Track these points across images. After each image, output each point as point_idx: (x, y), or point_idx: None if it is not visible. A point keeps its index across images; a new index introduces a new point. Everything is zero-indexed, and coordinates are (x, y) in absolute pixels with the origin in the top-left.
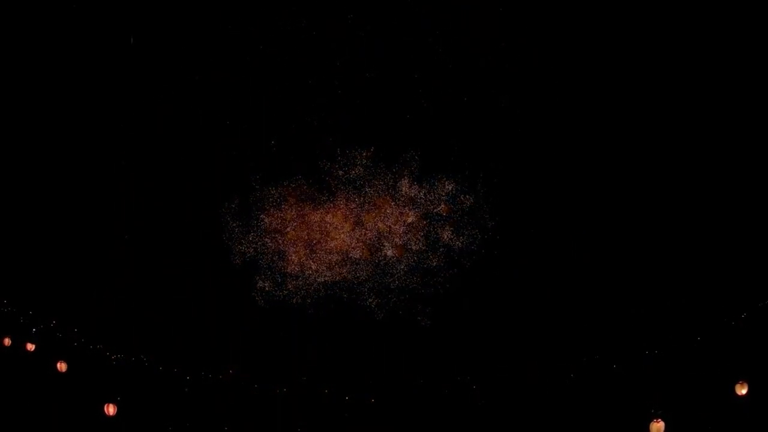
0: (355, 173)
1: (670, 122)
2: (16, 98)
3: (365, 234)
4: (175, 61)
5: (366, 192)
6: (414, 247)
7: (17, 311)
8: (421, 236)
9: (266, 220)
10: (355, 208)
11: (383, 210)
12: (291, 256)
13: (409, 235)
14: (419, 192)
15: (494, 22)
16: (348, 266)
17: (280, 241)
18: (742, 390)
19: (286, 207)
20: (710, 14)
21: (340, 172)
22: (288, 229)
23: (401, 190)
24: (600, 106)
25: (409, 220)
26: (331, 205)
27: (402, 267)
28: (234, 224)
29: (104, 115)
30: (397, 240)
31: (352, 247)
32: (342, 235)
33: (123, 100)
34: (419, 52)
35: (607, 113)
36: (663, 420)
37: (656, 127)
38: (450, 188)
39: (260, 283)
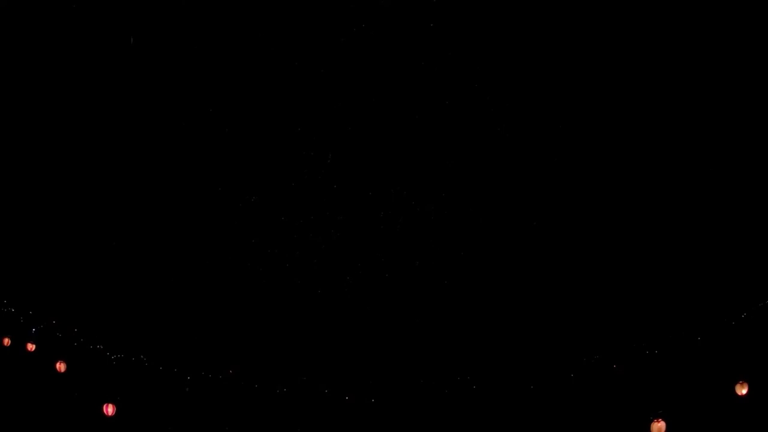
0: (346, 176)
1: (669, 122)
2: (15, 98)
3: (358, 237)
4: (173, 62)
5: (357, 195)
6: (409, 250)
7: (17, 311)
8: (415, 238)
9: (262, 222)
10: (346, 211)
11: (375, 213)
12: (284, 260)
13: (401, 237)
14: (413, 194)
15: (492, 25)
16: (341, 270)
17: (274, 244)
18: (743, 390)
19: (281, 210)
20: (709, 14)
21: (331, 176)
22: (281, 232)
23: (395, 192)
24: (598, 104)
25: (402, 221)
26: (323, 207)
27: (397, 269)
28: (232, 225)
29: (104, 114)
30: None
31: (344, 252)
32: (333, 239)
33: (123, 100)
34: (413, 54)
35: (606, 111)
36: (663, 420)
37: (655, 127)
38: (445, 189)
39: (256, 285)
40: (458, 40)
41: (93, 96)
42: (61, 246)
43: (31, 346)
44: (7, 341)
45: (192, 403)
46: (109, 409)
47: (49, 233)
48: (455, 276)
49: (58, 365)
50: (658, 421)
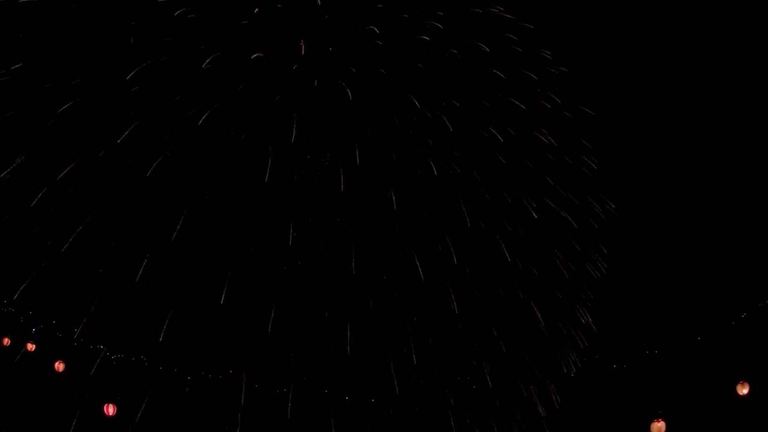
0: (344, 178)
1: (669, 123)
2: (16, 99)
3: (356, 240)
4: (169, 64)
5: (355, 198)
6: (407, 252)
7: (17, 311)
8: (414, 241)
9: (261, 225)
10: (344, 213)
11: (373, 216)
12: (283, 262)
13: (399, 240)
14: (412, 197)
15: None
16: (339, 272)
17: (273, 247)
18: (744, 390)
19: (279, 213)
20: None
21: (329, 178)
22: (280, 234)
23: (393, 195)
24: (595, 104)
25: (401, 224)
26: (321, 210)
27: (395, 271)
28: (232, 227)
29: (103, 117)
30: None
31: (342, 254)
32: (332, 241)
33: (123, 103)
34: (410, 57)
35: (603, 112)
36: (663, 420)
37: (654, 128)
38: (443, 192)
39: (255, 287)
40: (454, 43)
41: (93, 97)
42: (61, 247)
43: (31, 346)
44: (6, 341)
45: (192, 403)
46: (110, 409)
47: (49, 234)
48: (454, 277)
49: (56, 365)
50: (658, 421)
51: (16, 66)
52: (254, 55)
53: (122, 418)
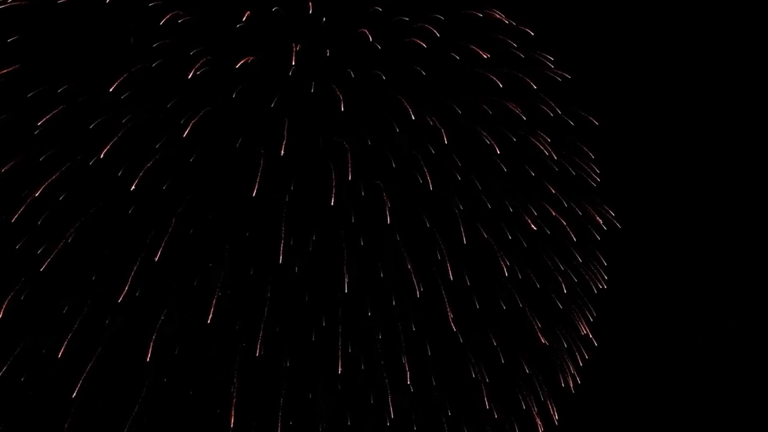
0: (342, 182)
1: (665, 124)
2: (13, 102)
3: (353, 244)
4: (161, 68)
5: (353, 200)
6: (403, 257)
7: (17, 311)
8: (409, 245)
9: (260, 229)
10: (342, 215)
11: (370, 220)
12: (285, 274)
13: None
14: (409, 202)
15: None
16: (338, 275)
17: (272, 250)
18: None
19: (277, 217)
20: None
21: (327, 182)
22: (277, 238)
23: (391, 197)
24: (592, 106)
25: (399, 229)
26: (319, 214)
27: (393, 275)
28: (234, 231)
29: (102, 122)
30: None
31: (339, 258)
32: (329, 246)
33: (117, 108)
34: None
35: (600, 113)
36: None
37: (654, 130)
38: (440, 199)
39: (254, 289)
40: (453, 47)
41: (83, 103)
42: (58, 250)
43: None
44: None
45: (192, 403)
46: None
47: (48, 237)
48: (451, 280)
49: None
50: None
51: (7, 70)
52: (247, 59)
53: (122, 418)
